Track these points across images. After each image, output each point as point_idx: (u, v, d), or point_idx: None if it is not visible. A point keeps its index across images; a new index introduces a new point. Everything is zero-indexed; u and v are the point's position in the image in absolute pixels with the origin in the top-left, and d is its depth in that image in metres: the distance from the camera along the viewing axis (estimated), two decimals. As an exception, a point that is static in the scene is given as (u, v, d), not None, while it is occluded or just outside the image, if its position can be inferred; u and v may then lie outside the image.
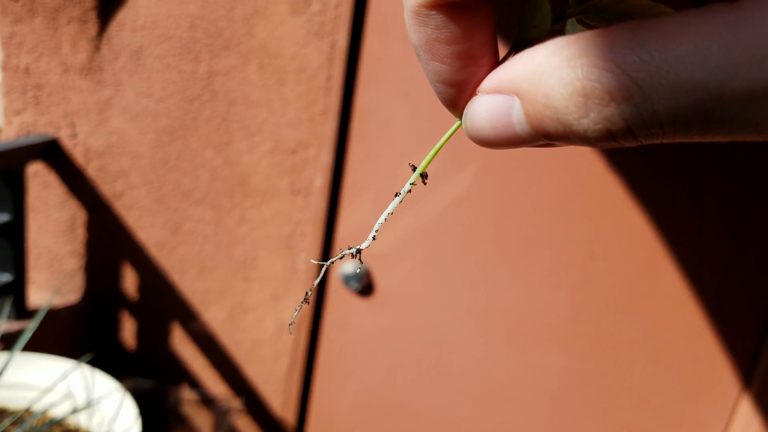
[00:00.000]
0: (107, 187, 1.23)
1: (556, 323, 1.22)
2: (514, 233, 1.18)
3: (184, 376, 1.33)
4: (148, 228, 1.24)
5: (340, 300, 1.25)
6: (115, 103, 1.18)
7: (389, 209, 0.26)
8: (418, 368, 1.28)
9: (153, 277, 1.27)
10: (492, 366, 1.26)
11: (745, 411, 1.24)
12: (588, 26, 0.24)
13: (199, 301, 1.27)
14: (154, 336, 1.32)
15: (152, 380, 1.34)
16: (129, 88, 1.17)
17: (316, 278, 0.29)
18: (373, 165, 1.18)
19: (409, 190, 0.26)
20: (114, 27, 1.14)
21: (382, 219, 0.26)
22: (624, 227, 1.16)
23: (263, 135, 1.16)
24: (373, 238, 0.27)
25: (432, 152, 0.25)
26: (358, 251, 0.27)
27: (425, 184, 0.26)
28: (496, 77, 0.21)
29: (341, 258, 0.28)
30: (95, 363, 1.18)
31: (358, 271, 1.22)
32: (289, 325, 0.30)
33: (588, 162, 1.13)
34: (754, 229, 1.15)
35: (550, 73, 0.19)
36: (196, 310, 1.27)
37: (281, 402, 1.31)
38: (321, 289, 1.25)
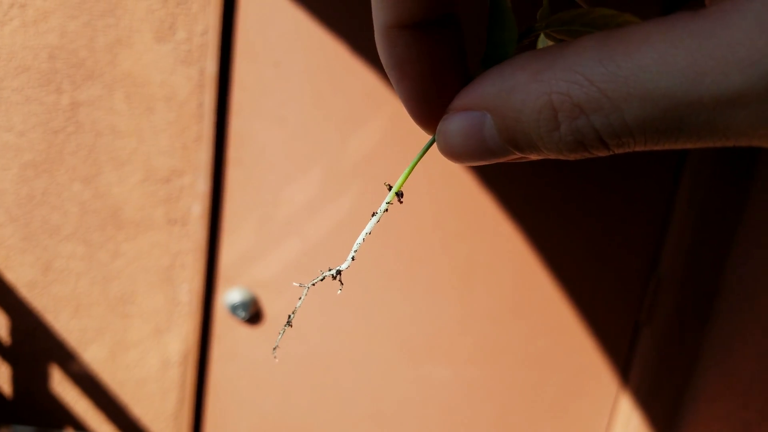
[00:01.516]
0: (-32, 227, 1.16)
1: (442, 336, 1.25)
2: (398, 252, 1.20)
3: (67, 419, 1.27)
4: (17, 267, 1.18)
5: (227, 330, 1.23)
6: (-29, 138, 1.11)
7: (367, 229, 0.25)
8: (311, 393, 1.27)
9: (26, 319, 1.20)
10: (385, 383, 1.27)
11: (625, 406, 1.30)
12: (556, 40, 0.24)
13: (77, 341, 1.21)
14: (31, 380, 1.25)
15: (33, 426, 1.27)
16: (-14, 121, 1.11)
17: (299, 301, 0.28)
18: (253, 191, 1.17)
19: (386, 209, 0.26)
20: (-35, 58, 1.08)
21: (360, 239, 0.26)
22: (498, 241, 1.20)
23: (134, 165, 1.12)
24: (352, 259, 0.27)
25: (406, 171, 0.25)
26: (338, 272, 0.27)
27: (401, 202, 0.26)
28: (466, 95, 0.21)
29: (322, 279, 0.28)
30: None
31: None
32: (274, 349, 0.30)
33: (462, 182, 1.17)
34: (619, 236, 1.22)
35: (519, 89, 0.19)
36: (75, 351, 1.21)
37: (173, 439, 1.26)
38: (206, 320, 1.22)
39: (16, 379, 1.25)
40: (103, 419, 1.26)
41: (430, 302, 1.23)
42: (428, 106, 0.23)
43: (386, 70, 0.23)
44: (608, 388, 1.30)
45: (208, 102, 1.10)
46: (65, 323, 1.20)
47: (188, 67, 1.09)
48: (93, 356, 1.22)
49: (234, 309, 1.20)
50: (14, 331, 1.22)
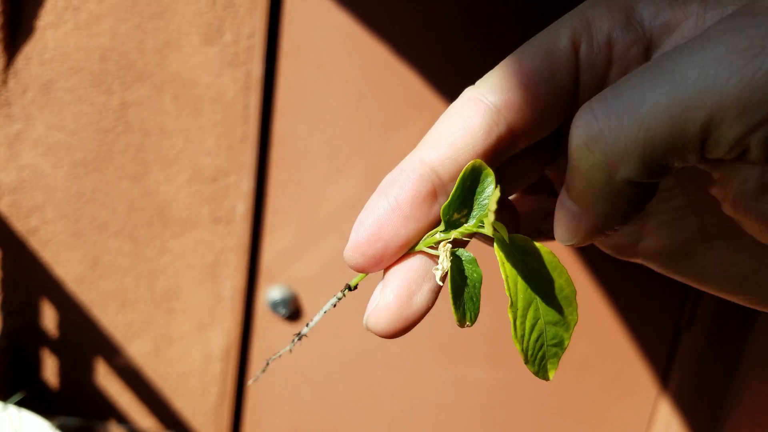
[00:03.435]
0: (21, 223, 1.19)
1: (481, 336, 1.25)
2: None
3: (110, 411, 1.30)
4: (65, 263, 1.21)
5: (268, 326, 1.25)
6: (25, 137, 1.15)
7: (325, 308, 0.29)
8: (348, 390, 1.29)
9: (73, 313, 1.24)
10: (420, 383, 1.28)
11: (665, 411, 1.29)
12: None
13: (122, 335, 1.24)
14: (77, 373, 1.28)
15: (78, 418, 1.30)
16: (39, 121, 1.14)
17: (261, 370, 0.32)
18: (295, 190, 1.19)
19: (340, 298, 0.29)
20: (21, 60, 1.12)
21: (320, 315, 0.29)
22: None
23: (181, 164, 1.15)
24: (307, 327, 0.30)
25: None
26: (300, 335, 0.30)
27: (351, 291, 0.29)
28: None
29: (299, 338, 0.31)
30: (20, 403, 1.13)
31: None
32: (254, 378, 0.32)
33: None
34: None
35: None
36: (120, 345, 1.25)
37: (213, 433, 1.29)
38: (248, 317, 1.24)
39: (63, 372, 1.29)
40: (145, 412, 1.29)
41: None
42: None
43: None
44: (648, 393, 1.29)
45: (253, 104, 1.12)
46: (111, 318, 1.23)
47: (235, 70, 1.11)
48: (137, 350, 1.25)
49: (275, 306, 1.22)
50: (62, 324, 1.25)
